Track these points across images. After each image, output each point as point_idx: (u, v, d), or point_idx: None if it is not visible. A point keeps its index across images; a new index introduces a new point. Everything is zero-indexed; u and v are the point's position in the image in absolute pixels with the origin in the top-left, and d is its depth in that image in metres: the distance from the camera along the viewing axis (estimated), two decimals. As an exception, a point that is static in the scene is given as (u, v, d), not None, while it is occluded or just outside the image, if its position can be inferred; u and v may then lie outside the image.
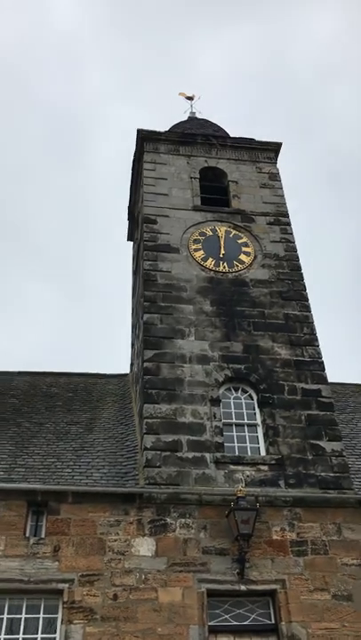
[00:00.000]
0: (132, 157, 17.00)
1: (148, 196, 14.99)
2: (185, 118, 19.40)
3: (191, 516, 9.91)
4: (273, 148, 16.83)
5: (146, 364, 11.75)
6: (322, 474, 10.70)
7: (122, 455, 11.36)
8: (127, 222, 18.69)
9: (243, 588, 9.36)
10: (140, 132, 16.35)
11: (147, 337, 12.17)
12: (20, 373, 15.76)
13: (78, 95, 46.38)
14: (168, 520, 9.83)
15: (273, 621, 9.29)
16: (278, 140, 16.93)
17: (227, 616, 9.30)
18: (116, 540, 9.54)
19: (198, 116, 19.59)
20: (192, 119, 19.16)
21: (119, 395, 14.64)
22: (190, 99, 20.52)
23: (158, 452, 10.56)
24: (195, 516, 9.91)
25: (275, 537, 9.89)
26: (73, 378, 15.64)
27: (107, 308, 40.92)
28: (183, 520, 9.86)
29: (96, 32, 47.63)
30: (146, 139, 16.34)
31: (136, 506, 9.90)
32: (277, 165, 16.67)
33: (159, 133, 16.50)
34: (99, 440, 12.09)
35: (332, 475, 10.71)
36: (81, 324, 39.99)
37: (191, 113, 19.88)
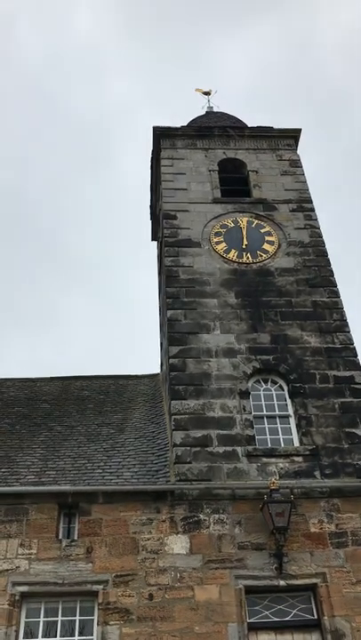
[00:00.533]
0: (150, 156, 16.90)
1: (166, 192, 14.85)
2: (203, 113, 19.21)
3: (225, 512, 9.67)
4: (292, 135, 16.48)
5: (172, 361, 11.58)
6: (359, 462, 10.32)
7: (153, 454, 11.20)
8: (150, 222, 18.60)
9: (282, 583, 9.07)
10: (155, 129, 16.23)
11: (171, 333, 12.00)
12: (52, 379, 15.81)
13: (103, 103, 46.71)
14: (201, 516, 9.62)
15: (315, 616, 8.96)
16: (298, 127, 16.51)
17: (267, 612, 9.01)
18: (149, 539, 9.37)
19: (216, 110, 19.38)
20: (209, 113, 18.95)
21: (150, 394, 14.50)
22: (207, 94, 20.29)
23: (188, 448, 10.37)
24: (228, 512, 9.67)
25: (313, 529, 9.56)
26: (104, 380, 15.58)
27: (142, 312, 41.00)
28: (217, 516, 9.63)
29: (116, 40, 47.96)
30: (162, 135, 16.20)
31: (168, 503, 9.72)
32: (298, 152, 16.30)
33: (175, 129, 16.35)
34: (130, 440, 11.96)
35: (370, 463, 10.31)
36: (118, 329, 40.16)
37: (208, 107, 19.69)
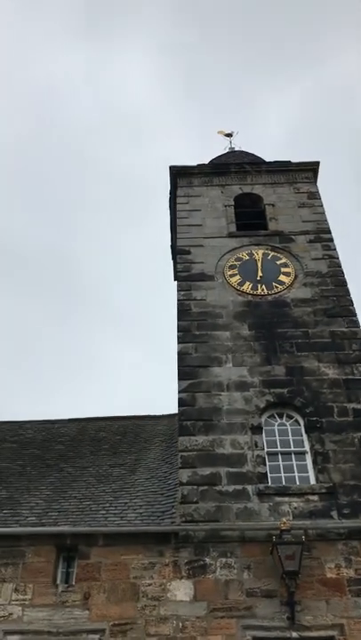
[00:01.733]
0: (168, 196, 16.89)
1: (181, 229, 14.71)
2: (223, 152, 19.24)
3: (233, 555, 8.98)
4: (311, 168, 16.20)
5: (180, 395, 11.12)
6: (381, 501, 9.49)
7: (162, 494, 10.63)
8: (172, 262, 18.44)
9: (294, 635, 8.24)
10: (172, 168, 16.24)
11: (181, 367, 11.59)
12: (70, 420, 15.51)
13: (147, 160, 47.76)
14: (207, 560, 8.95)
15: (333, 674, 8.06)
16: (316, 160, 16.26)
17: (279, 669, 8.17)
18: (150, 585, 8.74)
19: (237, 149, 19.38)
20: (229, 153, 18.93)
21: (168, 434, 13.97)
22: (229, 135, 20.36)
23: (195, 487, 9.78)
24: (237, 555, 8.98)
25: (329, 575, 8.74)
26: (123, 421, 15.17)
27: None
28: (224, 560, 8.94)
29: (161, 101, 49.43)
30: (179, 174, 16.20)
31: (172, 546, 9.10)
32: (318, 185, 16.00)
33: (191, 167, 16.34)
34: (140, 480, 11.44)
35: (392, 501, 9.47)
36: (157, 373, 39.76)
37: (230, 148, 19.72)
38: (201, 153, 46.50)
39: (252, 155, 18.24)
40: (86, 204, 46.37)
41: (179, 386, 11.29)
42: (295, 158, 16.40)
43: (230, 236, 14.46)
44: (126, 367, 40.47)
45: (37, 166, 43.62)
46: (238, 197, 15.68)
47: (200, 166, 16.38)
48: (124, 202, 47.80)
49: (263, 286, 13.08)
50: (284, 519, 9.00)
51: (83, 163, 47.30)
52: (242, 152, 18.52)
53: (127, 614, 8.48)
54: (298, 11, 45.18)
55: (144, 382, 38.95)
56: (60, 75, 45.26)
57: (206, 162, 17.29)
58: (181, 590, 8.67)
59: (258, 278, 13.28)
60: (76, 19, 45.70)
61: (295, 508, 9.47)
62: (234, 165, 16.43)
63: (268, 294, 12.92)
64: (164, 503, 10.22)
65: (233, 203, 15.42)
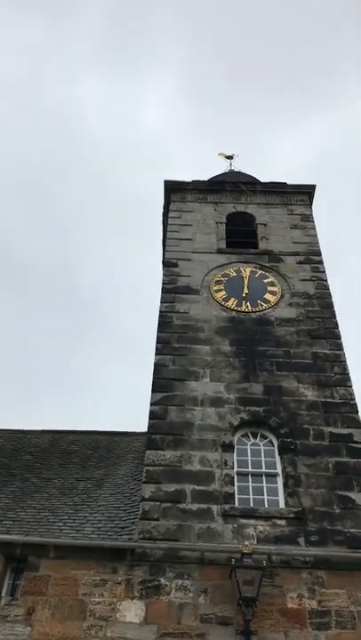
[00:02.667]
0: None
1: (171, 242, 14.45)
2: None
3: (190, 577, 8.44)
4: (306, 191, 16.02)
5: (152, 408, 10.68)
6: (351, 530, 8.98)
7: (125, 510, 10.11)
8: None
9: (248, 667, 7.66)
10: (167, 183, 16.07)
11: (156, 379, 11.17)
12: (43, 432, 15.02)
13: (155, 182, 47.71)
14: (162, 581, 8.41)
15: None
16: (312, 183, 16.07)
17: None
18: (99, 603, 8.19)
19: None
20: (227, 173, 18.77)
21: (142, 451, 13.38)
22: (230, 158, 20.25)
23: (157, 503, 9.28)
24: (194, 577, 8.44)
25: (290, 605, 8.19)
26: (98, 436, 14.67)
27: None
28: (180, 581, 8.40)
29: (179, 130, 49.78)
30: (173, 190, 16.02)
31: (126, 563, 8.58)
32: (312, 208, 15.78)
33: (186, 183, 16.16)
34: (105, 495, 10.92)
35: (364, 531, 8.95)
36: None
37: (230, 170, 19.58)
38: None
39: (250, 176, 18.05)
40: (91, 221, 46.25)
41: (152, 398, 10.87)
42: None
43: (219, 252, 14.19)
44: (124, 383, 39.75)
45: (50, 184, 43.50)
46: (231, 216, 15.46)
47: (195, 182, 16.19)
48: (129, 221, 47.79)
49: (248, 303, 12.75)
50: (246, 542, 8.49)
51: (97, 183, 47.20)
52: (239, 173, 18.35)
53: (72, 633, 7.92)
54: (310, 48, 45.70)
55: (141, 400, 38.19)
56: (80, 98, 45.41)
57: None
58: (132, 611, 8.12)
59: (243, 295, 12.95)
60: (97, 47, 46.24)
61: (261, 531, 8.96)
62: (229, 184, 16.25)
63: (253, 311, 12.57)
64: (124, 519, 9.70)
65: (225, 220, 15.20)
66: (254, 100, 47.66)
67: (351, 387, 11.08)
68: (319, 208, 38.28)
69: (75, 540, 8.77)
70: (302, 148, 46.65)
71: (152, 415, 10.57)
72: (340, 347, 11.84)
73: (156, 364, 11.44)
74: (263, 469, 10.01)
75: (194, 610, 8.12)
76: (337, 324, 12.34)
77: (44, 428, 15.12)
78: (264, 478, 9.91)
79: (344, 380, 11.20)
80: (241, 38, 46.20)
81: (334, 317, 12.49)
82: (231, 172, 18.55)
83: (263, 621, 8.00)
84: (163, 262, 13.96)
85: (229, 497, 9.38)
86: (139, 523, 9.11)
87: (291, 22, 43.30)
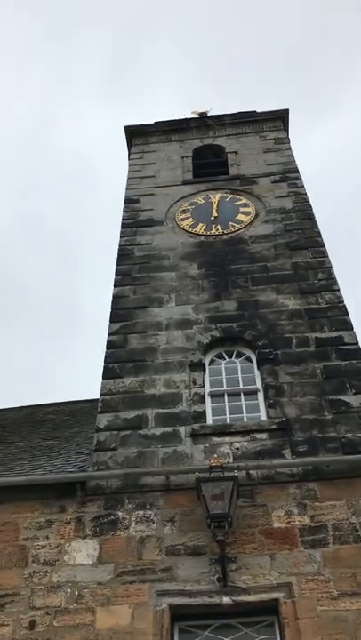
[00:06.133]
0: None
1: (131, 181, 13.15)
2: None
3: (153, 507, 6.94)
4: (279, 116, 14.63)
5: (110, 338, 9.27)
6: (347, 435, 7.40)
7: (88, 455, 8.65)
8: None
9: (226, 600, 6.10)
10: (127, 128, 14.85)
11: (115, 310, 9.78)
12: (22, 408, 13.71)
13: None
14: (120, 514, 6.92)
15: (280, 652, 5.87)
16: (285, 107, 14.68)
17: (207, 648, 6.00)
18: (43, 547, 6.73)
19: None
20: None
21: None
22: (203, 114, 19.00)
23: (115, 432, 7.84)
24: (158, 506, 6.94)
25: (276, 524, 6.62)
26: (78, 404, 13.28)
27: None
28: (142, 513, 6.90)
29: None
30: (135, 134, 14.79)
31: (77, 500, 7.12)
32: (288, 132, 14.39)
33: (148, 126, 14.91)
34: (70, 447, 9.51)
35: (362, 434, 7.37)
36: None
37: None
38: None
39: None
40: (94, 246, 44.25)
41: (109, 329, 9.46)
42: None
43: (185, 183, 12.87)
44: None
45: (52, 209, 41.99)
46: (198, 149, 14.17)
47: (157, 124, 14.93)
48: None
49: (218, 226, 11.34)
50: (215, 455, 6.98)
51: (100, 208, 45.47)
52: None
53: (10, 583, 6.46)
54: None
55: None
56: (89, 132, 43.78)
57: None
58: (83, 552, 6.63)
59: (212, 218, 11.55)
60: (102, 81, 45.20)
61: (237, 448, 7.43)
62: (194, 120, 14.95)
63: (224, 234, 11.15)
64: (83, 460, 8.26)
65: (191, 154, 13.89)
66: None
67: (338, 290, 9.57)
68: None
69: (11, 477, 7.34)
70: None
71: (109, 345, 9.16)
72: (323, 254, 10.35)
73: (114, 296, 10.07)
74: (241, 386, 8.50)
75: (158, 542, 6.61)
76: (320, 234, 10.86)
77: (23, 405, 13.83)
78: (242, 397, 8.40)
79: (330, 284, 9.68)
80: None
81: (316, 227, 11.02)
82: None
83: (243, 546, 6.46)
84: (124, 201, 12.61)
85: (199, 416, 7.89)
86: (93, 455, 7.67)
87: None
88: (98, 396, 8.61)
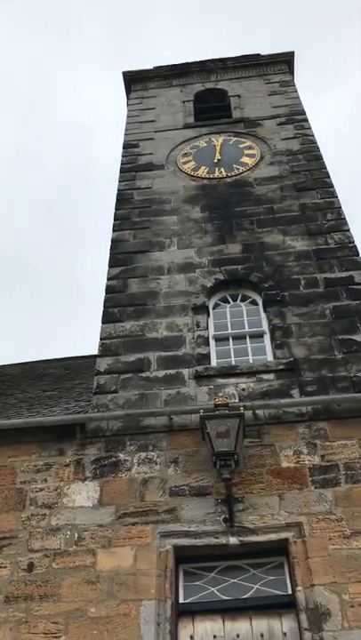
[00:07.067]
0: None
1: (130, 126, 12.61)
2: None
3: (156, 448, 6.64)
4: (284, 59, 13.99)
5: (109, 282, 8.89)
6: (359, 374, 7.05)
7: (88, 401, 8.35)
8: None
9: (233, 540, 5.83)
10: (125, 74, 14.23)
11: (113, 254, 9.37)
12: (22, 364, 13.39)
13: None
14: (121, 456, 6.63)
15: (290, 591, 5.61)
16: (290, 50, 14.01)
17: (213, 589, 5.76)
18: (42, 490, 6.46)
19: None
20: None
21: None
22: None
23: (115, 375, 7.51)
24: (161, 448, 6.64)
25: (285, 464, 6.32)
26: (79, 360, 12.96)
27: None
28: (144, 454, 6.61)
29: None
30: (133, 80, 14.18)
31: (76, 442, 6.83)
32: (293, 75, 13.77)
33: (147, 71, 14.31)
34: (70, 396, 9.19)
35: (374, 373, 7.02)
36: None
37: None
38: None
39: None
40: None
41: (108, 274, 9.07)
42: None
43: (186, 127, 12.32)
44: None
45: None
46: (200, 94, 13.58)
47: (157, 68, 14.31)
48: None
49: (222, 169, 10.85)
50: (220, 393, 6.66)
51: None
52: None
53: (7, 527, 6.20)
54: None
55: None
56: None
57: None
58: (83, 494, 6.35)
59: (215, 161, 11.05)
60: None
61: (243, 389, 7.10)
62: (195, 64, 14.30)
63: (228, 176, 10.67)
64: (82, 407, 7.95)
65: (193, 98, 13.31)
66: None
67: (349, 230, 9.13)
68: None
69: (8, 420, 7.04)
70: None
71: (109, 289, 8.78)
72: (332, 194, 9.88)
73: (113, 240, 9.65)
74: (246, 329, 8.13)
75: (161, 484, 6.32)
76: (328, 174, 10.37)
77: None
78: (248, 340, 8.04)
79: (340, 225, 9.25)
80: None
81: (324, 168, 10.53)
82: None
83: (251, 486, 6.16)
84: (122, 146, 12.08)
85: (203, 358, 7.55)
86: (93, 398, 7.35)
87: None
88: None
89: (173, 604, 5.52)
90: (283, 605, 5.52)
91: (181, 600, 5.68)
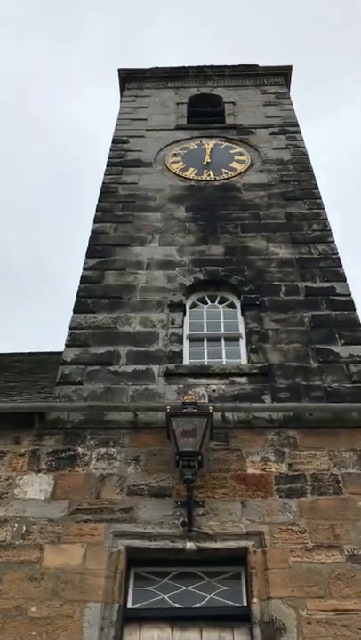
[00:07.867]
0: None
1: (121, 122, 12.42)
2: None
3: (117, 444, 6.31)
4: (282, 72, 13.96)
5: (85, 273, 8.59)
6: (333, 385, 6.83)
7: (48, 392, 7.99)
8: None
9: (190, 546, 5.50)
10: (121, 72, 14.06)
11: (92, 245, 9.09)
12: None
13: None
14: (80, 450, 6.28)
15: (245, 603, 5.30)
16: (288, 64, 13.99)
17: (164, 596, 5.41)
18: (-8, 479, 6.06)
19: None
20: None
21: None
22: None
23: (82, 367, 7.18)
24: (123, 444, 6.31)
25: (250, 470, 6.04)
26: (46, 356, 12.55)
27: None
28: (104, 450, 6.27)
29: None
30: (128, 78, 14.01)
31: (34, 432, 6.46)
32: (290, 89, 13.73)
33: (143, 70, 14.17)
34: (32, 388, 8.81)
35: (349, 385, 6.81)
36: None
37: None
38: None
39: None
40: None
41: (85, 264, 8.77)
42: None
43: (178, 128, 12.17)
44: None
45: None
46: (195, 98, 13.48)
47: (153, 69, 14.18)
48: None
49: (210, 172, 10.68)
50: (189, 392, 6.37)
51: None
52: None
53: None
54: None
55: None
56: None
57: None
58: (35, 486, 5.99)
59: (204, 164, 10.88)
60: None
61: (214, 390, 6.82)
62: (193, 68, 14.21)
63: (216, 179, 10.50)
64: (45, 398, 7.58)
65: (187, 101, 13.17)
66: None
67: (333, 242, 8.99)
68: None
69: None
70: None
71: (83, 279, 8.48)
72: (319, 206, 9.76)
73: (93, 232, 9.38)
74: (222, 331, 7.89)
75: (120, 481, 5.98)
76: (316, 186, 10.26)
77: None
78: (223, 342, 7.79)
79: (325, 236, 9.10)
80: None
81: (313, 180, 10.41)
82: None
83: (213, 490, 5.86)
84: (111, 140, 11.84)
85: (175, 356, 7.27)
86: (55, 388, 7.01)
87: None
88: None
89: (121, 608, 5.16)
90: (236, 618, 5.20)
91: (130, 605, 5.33)
